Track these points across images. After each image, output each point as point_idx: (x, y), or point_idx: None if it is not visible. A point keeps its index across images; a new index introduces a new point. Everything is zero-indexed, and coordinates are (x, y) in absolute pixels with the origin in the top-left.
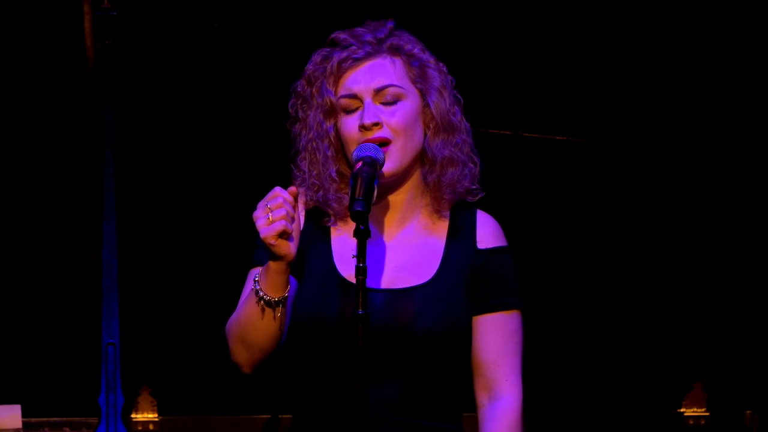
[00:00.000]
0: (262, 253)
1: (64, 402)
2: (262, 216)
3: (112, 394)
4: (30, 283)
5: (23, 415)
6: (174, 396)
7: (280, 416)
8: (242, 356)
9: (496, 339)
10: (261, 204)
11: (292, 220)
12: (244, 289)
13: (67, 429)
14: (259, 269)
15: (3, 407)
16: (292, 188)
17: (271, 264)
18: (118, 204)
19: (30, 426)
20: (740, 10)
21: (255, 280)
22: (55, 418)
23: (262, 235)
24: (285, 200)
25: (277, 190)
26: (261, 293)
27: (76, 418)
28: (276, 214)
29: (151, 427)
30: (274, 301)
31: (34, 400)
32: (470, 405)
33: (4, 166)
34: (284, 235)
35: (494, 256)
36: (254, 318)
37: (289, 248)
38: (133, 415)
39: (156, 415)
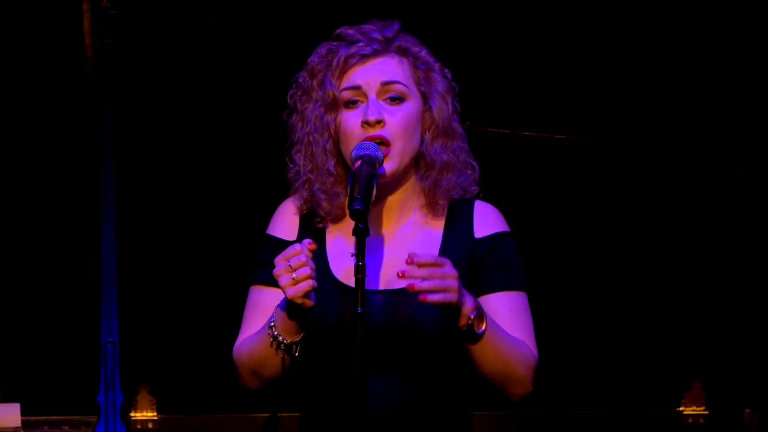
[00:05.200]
0: (262, 271)
1: (63, 400)
2: (285, 275)
3: (111, 393)
4: (29, 282)
5: (22, 414)
6: (173, 395)
7: (279, 415)
8: (253, 384)
9: (503, 315)
10: (280, 262)
11: (315, 276)
12: (246, 307)
13: (66, 428)
14: (259, 288)
15: (2, 406)
16: (310, 243)
17: (291, 314)
18: (118, 203)
19: (29, 424)
20: (740, 10)
21: (271, 326)
22: (54, 417)
23: (288, 296)
24: (307, 258)
25: (298, 247)
26: (279, 338)
27: (75, 417)
28: (301, 273)
29: (150, 425)
30: (294, 343)
31: (33, 399)
32: (477, 403)
33: (4, 166)
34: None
35: (492, 243)
36: (269, 357)
37: (312, 302)
38: (132, 414)
39: (155, 414)
